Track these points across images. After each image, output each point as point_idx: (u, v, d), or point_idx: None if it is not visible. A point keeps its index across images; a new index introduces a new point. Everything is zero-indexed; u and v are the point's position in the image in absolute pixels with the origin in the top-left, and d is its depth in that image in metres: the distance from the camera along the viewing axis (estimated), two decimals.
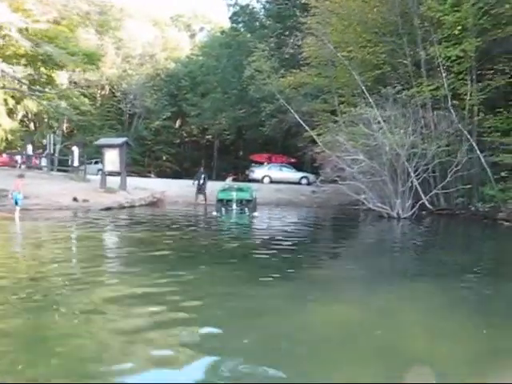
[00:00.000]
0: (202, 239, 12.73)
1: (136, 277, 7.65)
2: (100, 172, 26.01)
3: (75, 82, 43.88)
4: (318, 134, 24.19)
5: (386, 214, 19.40)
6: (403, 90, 20.17)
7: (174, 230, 14.45)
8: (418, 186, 19.60)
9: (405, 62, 21.59)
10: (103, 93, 53.73)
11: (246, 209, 20.25)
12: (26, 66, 28.83)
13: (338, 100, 24.47)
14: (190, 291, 6.82)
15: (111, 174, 24.87)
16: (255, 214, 19.78)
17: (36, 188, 21.30)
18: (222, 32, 49.82)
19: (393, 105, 19.04)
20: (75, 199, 20.91)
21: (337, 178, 20.42)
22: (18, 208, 15.86)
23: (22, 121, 44.13)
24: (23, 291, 6.48)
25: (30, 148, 31.84)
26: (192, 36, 65.50)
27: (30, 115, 43.38)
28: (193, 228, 15.63)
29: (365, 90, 21.43)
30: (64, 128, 45.76)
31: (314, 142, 25.59)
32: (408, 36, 21.38)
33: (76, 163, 29.39)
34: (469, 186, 20.29)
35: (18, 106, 40.54)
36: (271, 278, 7.66)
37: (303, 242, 12.85)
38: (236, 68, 42.28)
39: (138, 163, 51.95)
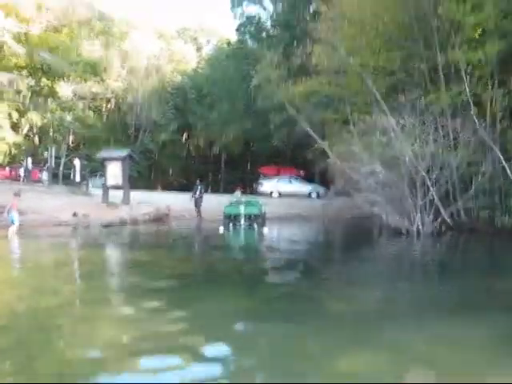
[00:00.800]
0: (211, 262, 11.51)
1: (142, 312, 6.59)
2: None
3: (80, 96, 43.34)
4: (330, 145, 23.02)
5: (405, 229, 18.17)
6: (420, 96, 19.02)
7: (179, 251, 13.32)
8: (436, 199, 18.32)
9: (421, 67, 20.45)
10: (109, 106, 53.10)
11: (255, 224, 19.05)
12: (27, 77, 28.09)
13: (351, 109, 23.29)
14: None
15: (114, 187, 23.91)
16: (265, 230, 18.60)
17: (35, 202, 20.56)
18: (229, 43, 49.03)
19: (411, 112, 17.87)
20: (75, 214, 20.03)
21: (351, 191, 19.21)
22: (13, 226, 15.08)
23: (27, 135, 43.47)
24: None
25: (29, 161, 30.93)
26: (198, 49, 64.92)
27: (34, 129, 42.70)
28: (201, 248, 14.41)
29: (379, 98, 20.28)
30: (70, 142, 45.06)
31: (324, 153, 24.49)
32: (424, 40, 20.26)
33: (78, 177, 28.46)
34: (492, 199, 19.06)
35: (23, 120, 39.89)
36: (286, 313, 6.67)
37: (319, 264, 11.61)
38: (243, 79, 41.46)
39: (145, 177, 51.29)
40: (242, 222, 19.33)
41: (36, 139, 44.47)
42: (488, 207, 19.55)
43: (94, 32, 32.43)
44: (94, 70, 29.12)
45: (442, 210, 18.50)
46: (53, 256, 11.49)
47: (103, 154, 26.15)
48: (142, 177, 49.82)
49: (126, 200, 23.42)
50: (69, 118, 38.97)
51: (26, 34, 22.75)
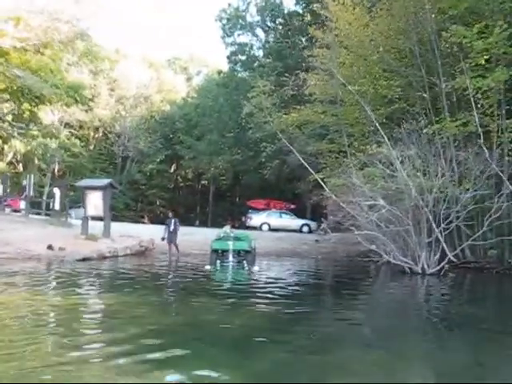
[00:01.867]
0: (192, 313, 9.70)
1: None
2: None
3: (67, 123, 42.15)
4: (325, 177, 21.66)
5: (409, 268, 16.70)
6: (423, 127, 17.83)
7: (156, 295, 11.62)
8: (440, 237, 16.82)
9: (424, 95, 19.30)
10: (96, 135, 52.02)
11: (245, 261, 17.38)
12: (7, 101, 26.71)
13: (348, 140, 22.02)
14: None
15: (94, 218, 22.37)
16: (255, 268, 16.93)
17: (8, 233, 19.10)
18: (220, 73, 48.26)
19: (418, 142, 16.59)
20: (50, 247, 18.38)
21: (350, 227, 17.71)
22: None
23: (11, 162, 42.04)
24: None
25: (1, 188, 29.08)
26: (189, 79, 64.42)
27: (18, 156, 41.30)
28: (184, 291, 12.64)
29: (379, 128, 19.01)
30: (56, 170, 43.71)
31: (317, 186, 23.15)
32: (427, 67, 19.19)
33: (57, 206, 26.86)
34: (500, 237, 17.72)
35: (6, 147, 38.53)
36: None
37: (321, 316, 9.89)
38: (233, 109, 40.46)
39: (131, 208, 50.08)
40: (231, 258, 17.71)
41: (20, 167, 43.05)
42: (496, 245, 18.28)
43: (78, 53, 31.18)
44: (77, 94, 27.71)
45: (446, 249, 17.03)
46: (18, 300, 9.77)
47: (83, 182, 24.64)
48: (128, 208, 48.60)
49: (106, 232, 21.86)
50: (54, 145, 37.63)
51: (2, 51, 21.28)
